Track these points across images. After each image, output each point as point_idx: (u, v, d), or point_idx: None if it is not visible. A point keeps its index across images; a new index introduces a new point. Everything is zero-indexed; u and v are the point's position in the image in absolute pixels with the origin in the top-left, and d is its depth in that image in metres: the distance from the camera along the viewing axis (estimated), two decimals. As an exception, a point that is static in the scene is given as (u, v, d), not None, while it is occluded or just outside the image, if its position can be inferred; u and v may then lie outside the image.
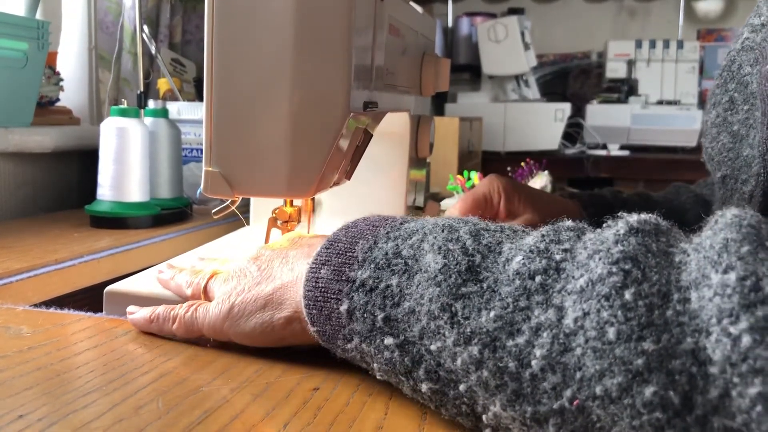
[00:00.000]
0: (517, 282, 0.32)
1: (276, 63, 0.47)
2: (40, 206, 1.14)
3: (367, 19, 0.51)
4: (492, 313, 0.32)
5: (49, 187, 1.16)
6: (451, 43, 2.78)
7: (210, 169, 0.49)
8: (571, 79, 2.85)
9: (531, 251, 0.33)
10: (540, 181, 1.22)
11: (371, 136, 0.57)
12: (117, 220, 0.91)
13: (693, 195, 0.80)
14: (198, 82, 1.50)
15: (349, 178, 0.58)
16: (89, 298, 0.73)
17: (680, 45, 2.43)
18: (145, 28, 1.23)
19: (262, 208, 0.78)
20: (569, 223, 0.35)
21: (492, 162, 2.19)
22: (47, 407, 0.36)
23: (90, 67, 1.30)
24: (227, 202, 0.54)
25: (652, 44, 2.43)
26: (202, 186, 0.50)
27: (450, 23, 2.90)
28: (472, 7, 2.92)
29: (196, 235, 0.96)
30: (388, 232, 0.40)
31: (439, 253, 0.35)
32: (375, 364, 0.38)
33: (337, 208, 0.77)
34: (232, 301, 0.45)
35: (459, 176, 1.17)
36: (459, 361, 0.32)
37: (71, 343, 0.46)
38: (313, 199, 0.62)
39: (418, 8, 0.73)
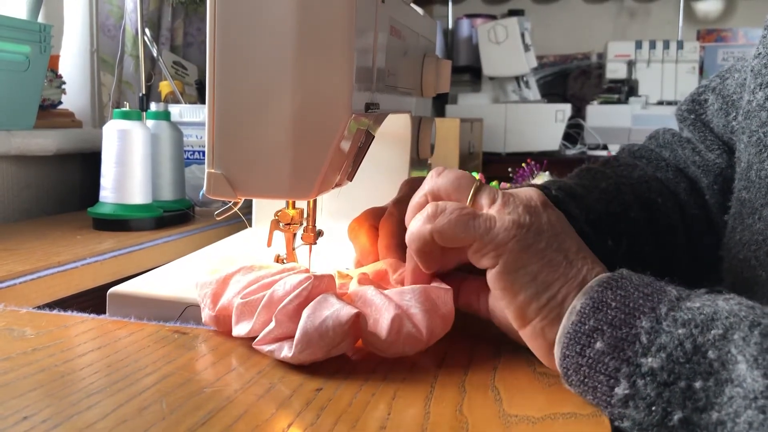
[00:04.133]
0: None
1: (278, 65, 0.47)
2: (43, 209, 1.14)
3: (369, 20, 0.51)
4: None
5: (52, 190, 1.16)
6: (452, 45, 2.79)
7: (212, 170, 0.49)
8: (572, 80, 2.86)
9: None
10: (541, 181, 1.22)
11: (373, 137, 0.57)
12: (119, 222, 0.92)
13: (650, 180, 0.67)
14: (199, 85, 1.50)
15: (350, 180, 0.58)
16: (92, 300, 0.73)
17: (680, 45, 2.43)
18: (147, 31, 1.24)
19: (264, 209, 0.78)
20: None
21: (493, 163, 2.19)
22: (51, 409, 0.36)
23: (92, 70, 1.30)
24: (229, 204, 0.54)
25: (652, 45, 2.43)
26: (204, 188, 0.50)
27: (450, 25, 2.91)
28: (472, 9, 2.92)
29: (198, 236, 0.96)
30: (670, 311, 0.36)
31: (757, 368, 0.31)
32: None
33: (338, 210, 0.77)
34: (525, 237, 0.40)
35: (460, 177, 1.17)
36: None
37: (75, 345, 0.47)
38: (315, 201, 0.62)
39: (419, 10, 0.73)
